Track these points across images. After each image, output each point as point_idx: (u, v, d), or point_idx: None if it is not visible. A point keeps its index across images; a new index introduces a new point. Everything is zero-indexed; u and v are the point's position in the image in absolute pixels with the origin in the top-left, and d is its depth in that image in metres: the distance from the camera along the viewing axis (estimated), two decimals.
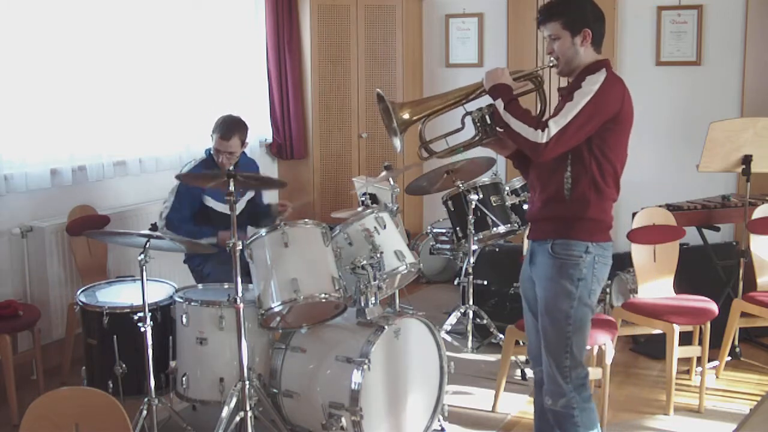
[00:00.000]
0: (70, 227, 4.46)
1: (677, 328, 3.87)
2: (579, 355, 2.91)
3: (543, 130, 2.72)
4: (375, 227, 3.62)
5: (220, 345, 3.51)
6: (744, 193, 4.62)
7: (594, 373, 3.80)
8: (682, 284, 4.28)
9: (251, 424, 3.31)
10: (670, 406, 3.95)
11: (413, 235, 6.19)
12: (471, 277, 4.72)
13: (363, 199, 4.80)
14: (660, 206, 4.61)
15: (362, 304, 3.40)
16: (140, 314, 3.36)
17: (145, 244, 3.29)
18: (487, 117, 2.93)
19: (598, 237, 2.88)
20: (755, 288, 4.37)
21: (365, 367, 3.22)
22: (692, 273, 4.50)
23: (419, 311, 3.77)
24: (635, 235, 4.22)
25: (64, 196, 4.67)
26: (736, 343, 4.57)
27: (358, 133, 6.45)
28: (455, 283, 5.02)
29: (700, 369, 4.15)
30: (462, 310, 4.79)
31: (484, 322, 4.76)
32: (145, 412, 3.43)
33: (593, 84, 2.78)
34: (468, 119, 2.97)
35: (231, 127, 4.26)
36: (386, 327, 3.33)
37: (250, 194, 4.52)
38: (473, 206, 4.61)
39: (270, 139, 6.44)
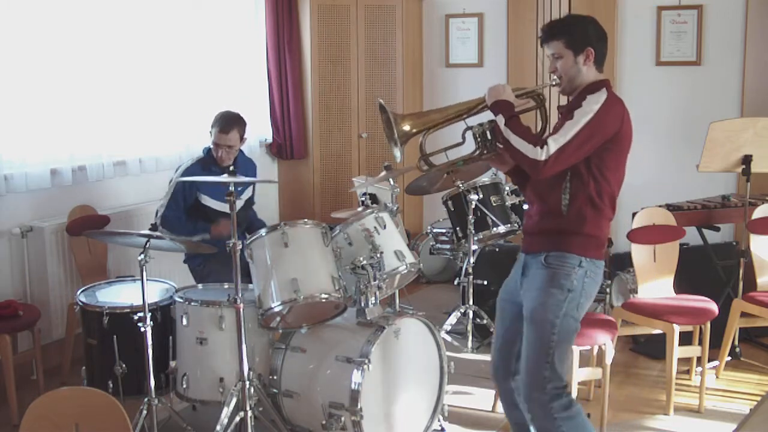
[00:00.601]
0: (70, 227, 4.46)
1: (677, 328, 3.87)
2: (559, 368, 2.88)
3: (542, 148, 2.72)
4: (375, 227, 3.61)
5: (220, 345, 3.50)
6: (744, 193, 4.62)
7: (594, 373, 3.81)
8: (682, 284, 4.28)
9: (251, 424, 3.31)
10: (670, 406, 3.95)
11: (413, 235, 6.18)
12: (471, 277, 4.73)
13: (363, 199, 4.80)
14: (660, 206, 4.61)
15: (362, 304, 3.40)
16: (140, 314, 3.36)
17: (145, 244, 3.29)
18: (487, 132, 2.93)
19: (592, 253, 2.89)
20: (755, 288, 4.37)
21: (365, 367, 3.22)
22: (692, 273, 4.50)
23: (419, 311, 3.76)
24: (635, 235, 4.22)
25: (64, 196, 4.67)
26: (736, 343, 4.57)
27: (358, 133, 6.45)
28: (455, 283, 5.03)
29: (700, 369, 4.14)
30: (462, 310, 4.80)
31: (484, 322, 4.76)
32: (145, 412, 3.43)
33: (594, 104, 2.79)
34: (469, 134, 2.98)
35: (230, 121, 4.27)
36: (386, 327, 3.33)
37: (248, 193, 4.53)
38: (473, 206, 4.62)
39: (270, 139, 6.43)
